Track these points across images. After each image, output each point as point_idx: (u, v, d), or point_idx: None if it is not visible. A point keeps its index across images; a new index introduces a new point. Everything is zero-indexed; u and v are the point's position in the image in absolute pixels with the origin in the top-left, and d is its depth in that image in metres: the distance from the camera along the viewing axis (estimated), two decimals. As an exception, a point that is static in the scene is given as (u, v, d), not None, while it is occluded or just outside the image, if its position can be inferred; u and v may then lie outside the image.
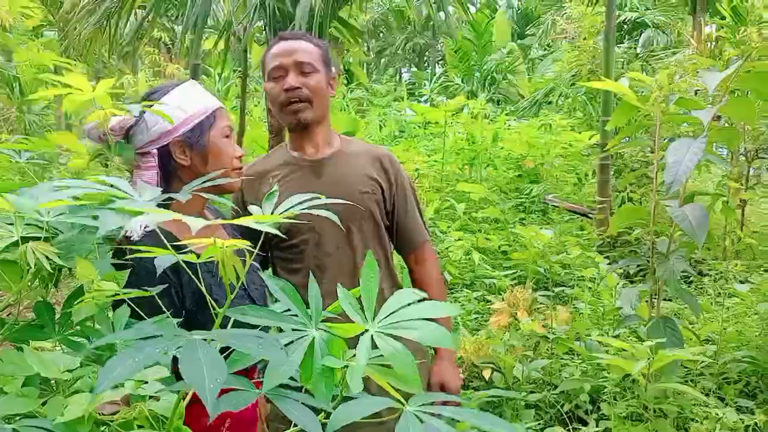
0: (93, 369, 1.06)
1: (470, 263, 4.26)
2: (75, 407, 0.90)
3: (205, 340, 0.75)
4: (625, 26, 9.44)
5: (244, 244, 0.88)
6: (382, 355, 0.85)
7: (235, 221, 0.86)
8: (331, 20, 3.97)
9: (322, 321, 0.92)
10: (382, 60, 20.99)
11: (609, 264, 4.06)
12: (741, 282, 4.02)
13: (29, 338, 1.03)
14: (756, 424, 2.22)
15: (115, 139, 1.26)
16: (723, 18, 7.73)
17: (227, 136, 1.38)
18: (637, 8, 8.94)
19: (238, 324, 0.89)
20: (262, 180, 1.70)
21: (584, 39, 6.76)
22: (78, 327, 1.05)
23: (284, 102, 1.62)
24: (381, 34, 20.44)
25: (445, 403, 0.92)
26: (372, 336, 0.85)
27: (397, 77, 21.18)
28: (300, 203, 0.99)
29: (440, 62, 19.16)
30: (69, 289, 1.12)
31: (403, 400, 0.84)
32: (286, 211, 0.97)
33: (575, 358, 3.04)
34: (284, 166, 1.70)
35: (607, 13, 5.00)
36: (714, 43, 7.03)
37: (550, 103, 9.45)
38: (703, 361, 2.94)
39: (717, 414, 2.16)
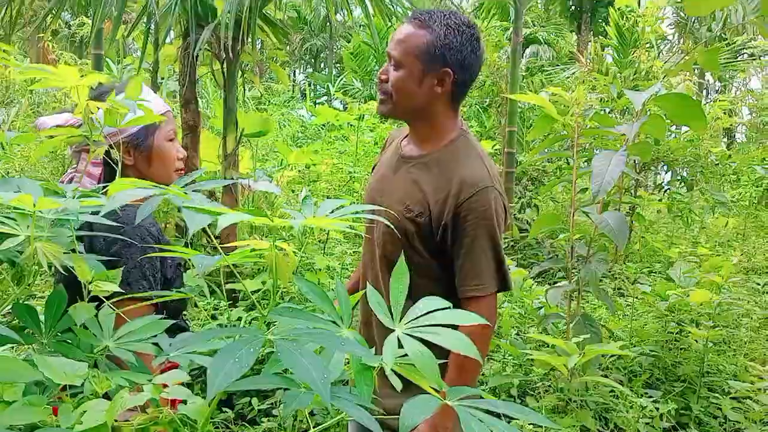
0: (93, 373, 1.01)
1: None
2: (94, 414, 0.86)
3: (284, 339, 0.76)
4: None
5: (287, 246, 0.89)
6: (405, 355, 0.88)
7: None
8: (256, 18, 3.89)
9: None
10: (276, 59, 20.67)
11: (516, 266, 4.30)
12: (633, 283, 4.41)
13: (12, 341, 0.95)
14: (669, 411, 2.46)
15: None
16: (605, 37, 8.42)
17: (171, 140, 1.44)
18: (530, 25, 9.48)
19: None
20: (386, 143, 1.76)
21: (490, 53, 7.08)
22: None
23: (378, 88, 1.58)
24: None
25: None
26: (398, 337, 0.89)
27: (293, 78, 20.99)
28: (334, 209, 0.99)
29: (336, 65, 19.24)
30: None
31: (433, 393, 0.88)
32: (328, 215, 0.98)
33: (499, 355, 3.19)
34: (395, 148, 1.65)
35: (515, 30, 5.29)
36: (599, 61, 7.56)
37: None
38: (613, 356, 3.21)
39: (640, 403, 2.37)
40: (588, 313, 2.96)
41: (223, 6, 3.65)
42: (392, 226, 1.45)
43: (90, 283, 1.05)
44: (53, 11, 3.73)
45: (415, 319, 0.93)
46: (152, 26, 3.95)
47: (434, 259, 1.53)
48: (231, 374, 0.65)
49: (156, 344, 1.01)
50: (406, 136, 1.64)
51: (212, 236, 0.84)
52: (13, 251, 0.98)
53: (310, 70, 20.85)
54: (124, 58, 5.78)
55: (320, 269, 3.36)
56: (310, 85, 18.79)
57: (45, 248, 0.90)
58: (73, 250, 1.01)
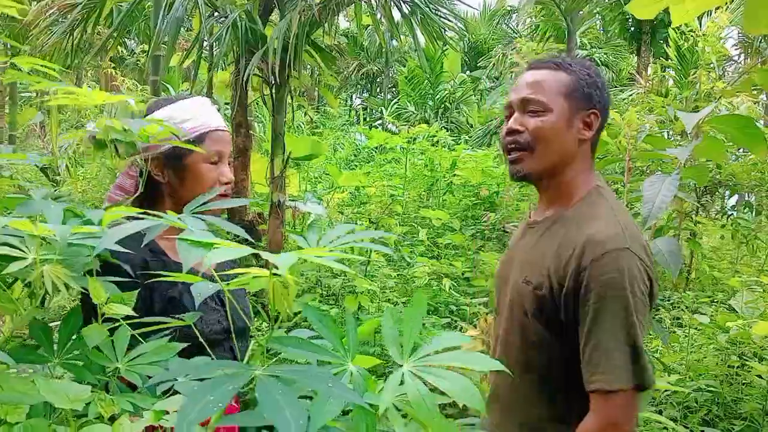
0: (100, 396, 1.00)
1: (433, 289, 4.29)
2: (93, 438, 0.85)
3: (272, 376, 0.73)
4: (575, 63, 9.84)
5: (291, 279, 0.86)
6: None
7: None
8: (304, 44, 3.96)
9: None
10: (335, 85, 21.08)
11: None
12: (693, 312, 4.19)
13: (24, 360, 0.96)
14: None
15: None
16: (667, 58, 8.18)
17: (214, 162, 1.35)
18: (586, 46, 9.34)
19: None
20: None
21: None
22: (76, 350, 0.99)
23: (504, 147, 1.35)
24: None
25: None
26: (403, 374, 0.84)
27: (349, 102, 21.33)
28: (345, 235, 0.96)
29: (392, 89, 19.44)
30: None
31: None
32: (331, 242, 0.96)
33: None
34: (527, 217, 1.49)
35: (568, 50, 5.19)
36: (659, 82, 7.35)
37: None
38: (666, 390, 3.03)
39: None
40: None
41: (271, 33, 3.73)
42: (523, 307, 1.30)
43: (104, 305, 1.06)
44: (113, 36, 3.91)
45: (426, 356, 0.88)
46: (204, 53, 4.07)
47: (557, 339, 1.27)
48: (204, 413, 0.63)
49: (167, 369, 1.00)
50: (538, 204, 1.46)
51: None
52: (28, 270, 1.00)
53: (367, 94, 21.15)
54: (183, 83, 5.99)
55: (360, 292, 3.33)
56: (365, 109, 19.04)
57: (53, 271, 0.90)
58: (91, 272, 1.01)
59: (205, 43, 4.03)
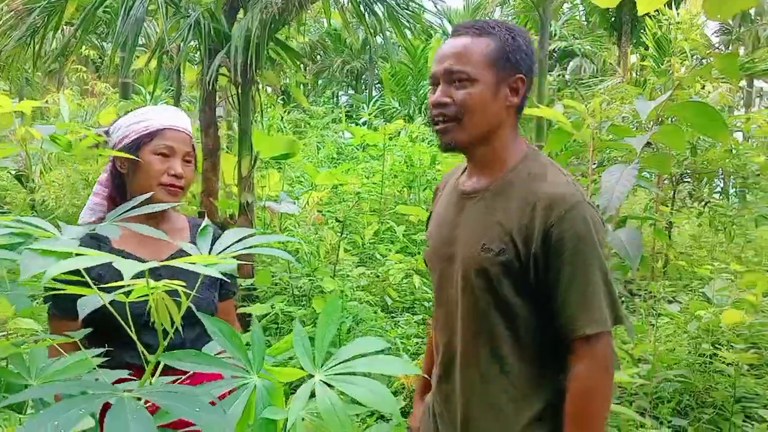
0: (5, 416, 0.97)
1: (410, 286, 4.25)
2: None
3: (138, 399, 0.68)
4: (555, 54, 9.80)
5: (180, 284, 0.82)
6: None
7: (173, 262, 0.80)
8: (269, 42, 3.91)
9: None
10: (320, 82, 21.02)
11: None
12: (670, 302, 4.17)
13: None
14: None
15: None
16: (647, 48, 8.15)
17: (162, 154, 1.48)
18: (566, 38, 9.31)
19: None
20: (438, 189, 1.55)
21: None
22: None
23: (431, 119, 1.34)
24: (318, 57, 20.49)
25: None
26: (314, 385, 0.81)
27: (335, 100, 21.26)
28: (237, 242, 0.92)
29: (377, 86, 19.37)
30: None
31: None
32: (222, 251, 0.92)
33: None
34: (452, 188, 1.44)
35: (540, 42, 5.16)
36: (639, 72, 7.35)
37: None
38: (636, 381, 3.01)
39: (653, 435, 2.19)
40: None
41: (233, 32, 3.68)
42: (488, 276, 1.26)
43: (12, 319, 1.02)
44: (74, 38, 3.84)
45: (339, 364, 0.85)
46: (167, 54, 4.01)
47: (527, 302, 1.27)
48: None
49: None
50: (463, 172, 1.42)
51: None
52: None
53: (352, 91, 21.08)
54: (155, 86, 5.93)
55: (329, 292, 3.30)
56: (351, 106, 18.95)
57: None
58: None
59: (169, 44, 3.96)
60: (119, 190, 1.54)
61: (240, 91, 4.05)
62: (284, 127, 10.65)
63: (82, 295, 1.34)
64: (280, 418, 0.82)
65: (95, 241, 1.43)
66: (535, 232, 1.22)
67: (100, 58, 9.94)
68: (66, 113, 1.25)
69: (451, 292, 1.36)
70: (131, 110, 1.62)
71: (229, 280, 1.65)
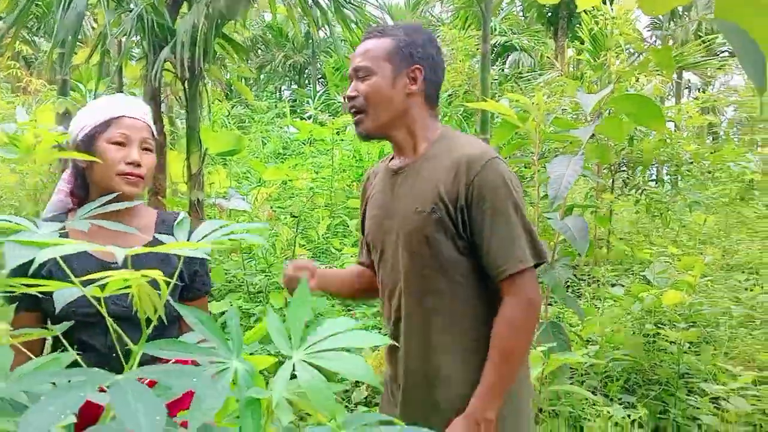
0: None
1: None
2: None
3: (131, 380, 0.69)
4: (495, 49, 10.01)
5: (157, 274, 0.83)
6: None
7: (155, 249, 0.81)
8: (215, 37, 3.86)
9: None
10: (262, 77, 20.73)
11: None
12: (613, 285, 4.36)
13: None
14: (640, 417, 2.40)
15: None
16: (582, 43, 8.42)
17: (119, 143, 1.45)
18: (506, 32, 9.52)
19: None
20: (368, 181, 1.65)
21: (460, 61, 7.08)
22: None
23: (350, 113, 1.49)
24: (260, 51, 20.20)
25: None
26: (294, 365, 0.84)
27: (278, 94, 21.02)
28: (211, 233, 0.93)
29: (321, 80, 19.27)
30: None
31: (334, 426, 0.83)
32: (202, 239, 0.93)
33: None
34: (383, 171, 1.56)
35: (483, 37, 5.27)
36: (576, 66, 7.58)
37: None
38: (587, 362, 3.15)
39: (608, 411, 2.31)
40: (555, 320, 2.90)
41: (178, 27, 3.61)
42: (424, 235, 1.37)
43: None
44: (7, 34, 3.69)
45: (314, 344, 0.88)
46: (110, 49, 3.90)
47: (464, 255, 1.39)
48: (43, 425, 0.59)
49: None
50: (391, 159, 1.55)
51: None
52: None
53: (296, 86, 20.88)
54: (98, 83, 5.75)
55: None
56: (295, 101, 18.79)
57: None
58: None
59: (110, 39, 3.85)
60: (82, 184, 1.51)
61: (187, 86, 3.98)
62: (228, 123, 10.47)
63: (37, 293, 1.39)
64: (263, 397, 0.84)
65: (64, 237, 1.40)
66: (460, 187, 1.36)
67: (32, 54, 9.52)
68: (22, 115, 1.21)
69: (394, 262, 1.46)
70: (79, 107, 1.61)
71: (181, 282, 1.58)
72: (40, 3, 6.40)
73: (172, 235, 1.66)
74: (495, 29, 9.50)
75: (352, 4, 4.45)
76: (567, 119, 3.11)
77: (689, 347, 3.47)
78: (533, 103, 3.08)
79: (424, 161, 1.44)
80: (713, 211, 6.37)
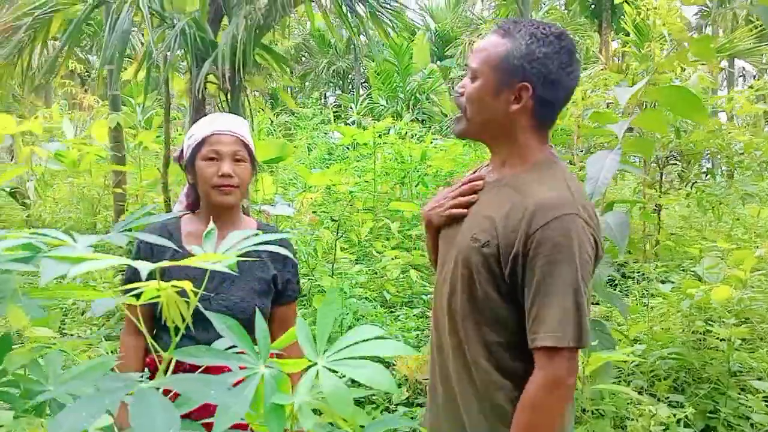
0: (29, 421, 1.01)
1: (408, 281, 4.31)
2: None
3: (156, 388, 0.74)
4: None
5: (188, 285, 0.87)
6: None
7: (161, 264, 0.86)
8: (255, 47, 3.96)
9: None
10: (307, 84, 21.02)
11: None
12: (662, 282, 4.25)
13: None
14: (686, 416, 2.34)
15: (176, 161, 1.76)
16: (628, 35, 8.23)
17: (210, 159, 1.61)
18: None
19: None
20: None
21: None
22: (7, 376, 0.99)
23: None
24: (303, 59, 20.50)
25: None
26: (318, 371, 0.86)
27: (323, 100, 21.28)
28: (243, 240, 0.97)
29: (364, 84, 19.40)
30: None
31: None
32: (228, 249, 0.97)
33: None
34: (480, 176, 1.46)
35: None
36: (621, 58, 7.44)
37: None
38: (634, 361, 3.09)
39: (651, 411, 2.26)
40: (599, 318, 2.86)
41: (220, 39, 3.72)
42: (469, 267, 1.29)
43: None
44: (61, 54, 3.88)
45: (339, 351, 0.91)
46: (154, 64, 4.05)
47: (505, 301, 1.28)
48: (74, 428, 0.64)
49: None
50: (489, 164, 1.45)
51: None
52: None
53: (340, 91, 21.09)
54: (145, 97, 5.97)
55: (328, 290, 3.35)
56: (339, 106, 18.97)
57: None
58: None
59: (156, 54, 4.00)
60: (194, 195, 1.71)
61: (229, 97, 4.10)
62: (274, 131, 10.68)
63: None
64: (287, 403, 0.87)
65: (167, 233, 1.65)
66: (519, 233, 1.23)
67: (86, 71, 9.94)
68: (70, 131, 1.29)
69: (446, 275, 1.39)
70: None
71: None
72: (92, 22, 6.67)
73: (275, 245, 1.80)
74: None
75: (389, 9, 4.49)
76: (609, 113, 3.06)
77: (742, 344, 3.36)
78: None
79: (505, 186, 1.33)
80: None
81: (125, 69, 4.79)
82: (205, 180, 1.60)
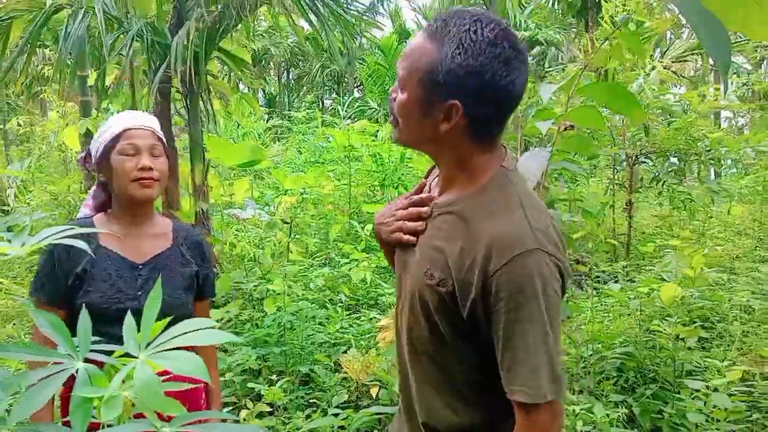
0: None
1: (373, 283, 4.29)
2: None
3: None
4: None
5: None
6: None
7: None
8: (209, 52, 3.96)
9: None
10: (304, 87, 21.08)
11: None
12: (631, 281, 4.23)
13: None
14: (625, 416, 2.32)
15: (88, 167, 1.71)
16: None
17: (127, 153, 1.58)
18: (529, 27, 9.37)
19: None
20: (432, 177, 1.37)
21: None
22: None
23: None
24: (299, 62, 20.54)
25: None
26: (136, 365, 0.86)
27: (319, 104, 21.29)
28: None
29: (359, 87, 19.42)
30: None
31: (157, 424, 0.85)
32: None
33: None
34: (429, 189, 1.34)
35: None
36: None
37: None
38: (583, 361, 3.06)
39: (574, 410, 2.24)
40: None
41: (172, 44, 3.73)
42: (426, 305, 1.18)
43: None
44: (18, 59, 3.90)
45: (161, 344, 0.90)
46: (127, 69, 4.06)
47: (464, 340, 1.17)
48: None
49: None
50: (438, 175, 1.29)
51: None
52: None
53: (335, 94, 21.12)
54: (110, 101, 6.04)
55: (279, 293, 3.35)
56: (335, 110, 19.00)
57: None
58: None
59: (108, 60, 4.02)
60: (108, 197, 1.67)
61: (188, 100, 4.11)
62: (260, 135, 10.69)
63: (70, 288, 1.57)
64: (94, 395, 0.87)
65: (84, 237, 1.55)
66: (475, 276, 1.09)
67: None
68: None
69: (403, 306, 1.29)
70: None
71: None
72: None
73: (191, 241, 1.82)
74: (520, 24, 9.39)
75: (354, 12, 4.50)
76: (551, 110, 3.04)
77: (700, 343, 3.33)
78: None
79: (457, 215, 1.17)
80: (748, 200, 6.09)
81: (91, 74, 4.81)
82: (124, 174, 1.57)
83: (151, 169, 1.58)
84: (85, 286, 1.55)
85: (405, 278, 1.28)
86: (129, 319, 0.99)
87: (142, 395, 0.84)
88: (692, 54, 9.54)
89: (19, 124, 10.35)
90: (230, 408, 2.78)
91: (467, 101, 1.10)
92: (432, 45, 1.10)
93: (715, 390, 2.53)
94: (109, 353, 0.95)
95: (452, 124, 1.11)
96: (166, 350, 0.89)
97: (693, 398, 2.59)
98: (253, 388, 2.82)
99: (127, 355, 0.92)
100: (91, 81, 4.51)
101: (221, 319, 3.42)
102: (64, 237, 0.96)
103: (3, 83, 5.30)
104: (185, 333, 0.93)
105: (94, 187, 1.72)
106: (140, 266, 1.60)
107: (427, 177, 1.41)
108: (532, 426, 1.08)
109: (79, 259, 1.56)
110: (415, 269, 1.22)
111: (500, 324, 1.07)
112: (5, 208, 6.69)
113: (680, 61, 9.19)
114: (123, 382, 0.86)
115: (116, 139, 1.59)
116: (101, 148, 1.61)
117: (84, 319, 0.97)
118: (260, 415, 2.64)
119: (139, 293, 1.58)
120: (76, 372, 0.88)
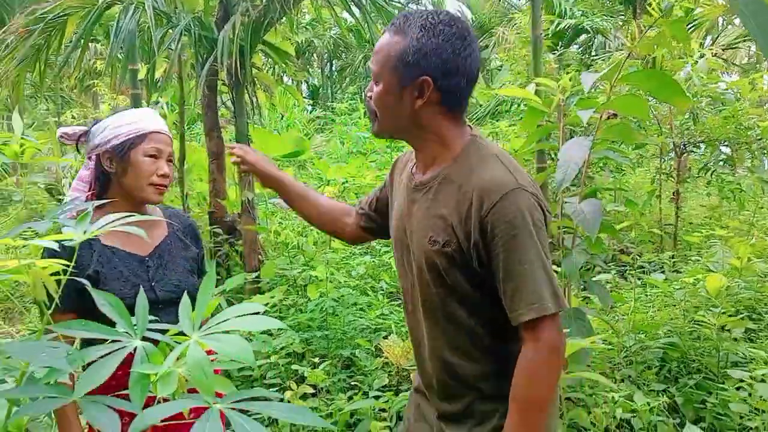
0: None
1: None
2: None
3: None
4: (568, 33, 9.70)
5: (59, 264, 0.95)
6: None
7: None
8: (254, 45, 4.05)
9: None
10: (347, 79, 21.16)
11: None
12: (677, 272, 4.16)
13: None
14: (665, 405, 2.30)
15: (68, 143, 1.69)
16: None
17: (152, 156, 1.61)
18: (574, 15, 9.20)
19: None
20: (395, 169, 1.58)
21: (520, 48, 6.95)
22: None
23: None
24: (342, 54, 20.63)
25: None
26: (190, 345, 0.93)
27: (361, 95, 21.34)
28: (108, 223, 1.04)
29: (402, 78, 19.30)
30: None
31: (210, 399, 0.90)
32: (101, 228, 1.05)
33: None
34: (407, 178, 1.46)
35: (533, 21, 5.16)
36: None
37: (507, 111, 9.63)
38: (623, 350, 3.05)
39: (614, 397, 2.24)
40: (579, 307, 2.83)
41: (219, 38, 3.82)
42: (436, 267, 1.31)
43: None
44: (69, 59, 4.07)
45: (214, 326, 0.96)
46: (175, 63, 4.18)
47: (478, 289, 1.31)
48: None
49: None
50: (416, 161, 1.45)
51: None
52: None
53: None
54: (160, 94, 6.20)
55: (321, 279, 3.43)
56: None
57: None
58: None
59: (158, 54, 4.15)
60: (104, 187, 1.64)
61: (234, 93, 4.21)
62: (304, 126, 10.81)
63: (80, 290, 1.47)
64: (151, 372, 0.94)
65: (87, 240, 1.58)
66: (472, 222, 1.25)
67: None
68: (18, 127, 1.39)
69: (411, 281, 1.41)
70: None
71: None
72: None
73: (184, 225, 1.88)
74: (565, 12, 9.24)
75: (395, 2, 4.53)
76: (594, 100, 3.01)
77: (746, 334, 3.26)
78: (559, 86, 3.02)
79: (441, 183, 1.34)
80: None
81: (143, 67, 4.97)
82: (144, 176, 1.59)
83: (168, 176, 1.63)
84: (100, 287, 1.55)
85: (408, 260, 1.41)
86: (185, 299, 1.05)
87: (192, 372, 0.90)
88: (744, 41, 9.21)
89: (72, 117, 10.72)
90: (275, 389, 2.88)
91: (436, 74, 1.28)
92: (398, 37, 1.29)
93: (762, 380, 2.49)
94: (162, 333, 1.00)
95: (426, 99, 1.29)
96: (215, 333, 0.96)
97: (737, 389, 2.56)
98: (297, 371, 2.91)
99: (180, 334, 0.97)
100: (141, 74, 4.65)
101: (266, 304, 3.52)
102: (125, 224, 1.03)
103: (58, 77, 5.51)
104: (236, 317, 1.00)
105: (83, 170, 1.68)
106: (147, 258, 1.63)
107: (392, 174, 1.58)
108: (541, 341, 1.23)
109: (86, 262, 1.56)
110: (417, 241, 1.36)
111: (499, 258, 1.23)
112: (60, 197, 6.98)
113: (732, 48, 8.90)
114: (177, 359, 0.93)
115: (142, 138, 1.60)
116: (122, 139, 1.59)
117: (141, 299, 1.04)
118: (304, 397, 2.72)
119: (153, 284, 1.62)
120: (134, 350, 0.96)
